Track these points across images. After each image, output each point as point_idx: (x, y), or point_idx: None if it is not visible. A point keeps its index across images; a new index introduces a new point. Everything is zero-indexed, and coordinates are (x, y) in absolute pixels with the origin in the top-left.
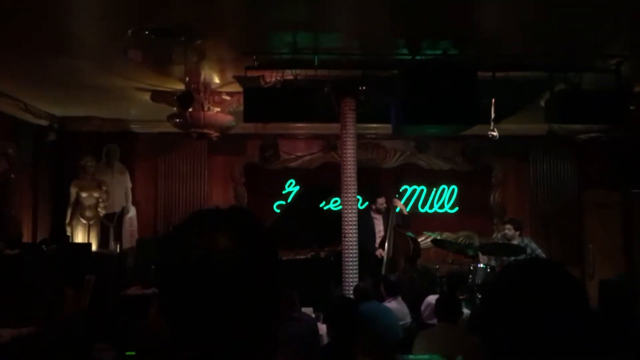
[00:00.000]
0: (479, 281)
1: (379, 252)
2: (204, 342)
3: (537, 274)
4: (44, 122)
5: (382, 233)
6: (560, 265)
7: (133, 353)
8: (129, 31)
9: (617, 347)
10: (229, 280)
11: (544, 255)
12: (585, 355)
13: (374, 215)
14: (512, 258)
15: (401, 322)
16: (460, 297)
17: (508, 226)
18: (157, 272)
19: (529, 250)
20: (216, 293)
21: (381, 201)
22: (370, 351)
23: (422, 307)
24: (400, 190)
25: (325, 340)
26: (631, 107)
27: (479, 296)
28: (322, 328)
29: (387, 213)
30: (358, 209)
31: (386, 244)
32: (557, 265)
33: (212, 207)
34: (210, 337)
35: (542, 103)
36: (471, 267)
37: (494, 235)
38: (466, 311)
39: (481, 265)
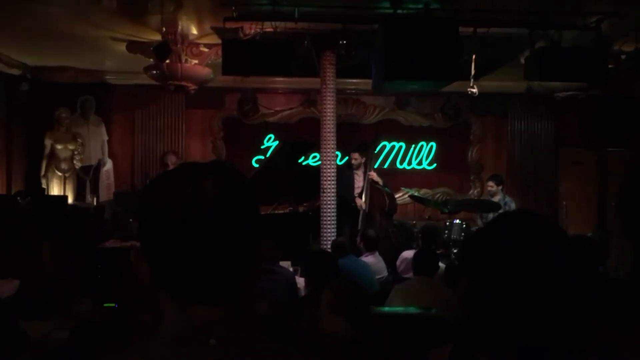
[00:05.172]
0: (455, 236)
1: (357, 201)
2: (186, 286)
3: (519, 227)
4: (16, 72)
5: (360, 184)
6: (543, 217)
7: (112, 305)
8: None
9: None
10: (216, 224)
11: None
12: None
13: (355, 170)
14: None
15: (378, 276)
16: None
17: (490, 183)
18: (142, 214)
19: (506, 208)
20: (203, 236)
21: (355, 156)
22: (343, 305)
23: (398, 262)
24: (376, 151)
25: (303, 293)
26: (610, 66)
27: (454, 251)
28: (300, 281)
29: (364, 167)
30: (337, 164)
31: (363, 196)
32: (541, 217)
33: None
34: (191, 281)
35: (522, 60)
36: (447, 223)
37: (471, 191)
38: (442, 265)
39: (457, 220)
